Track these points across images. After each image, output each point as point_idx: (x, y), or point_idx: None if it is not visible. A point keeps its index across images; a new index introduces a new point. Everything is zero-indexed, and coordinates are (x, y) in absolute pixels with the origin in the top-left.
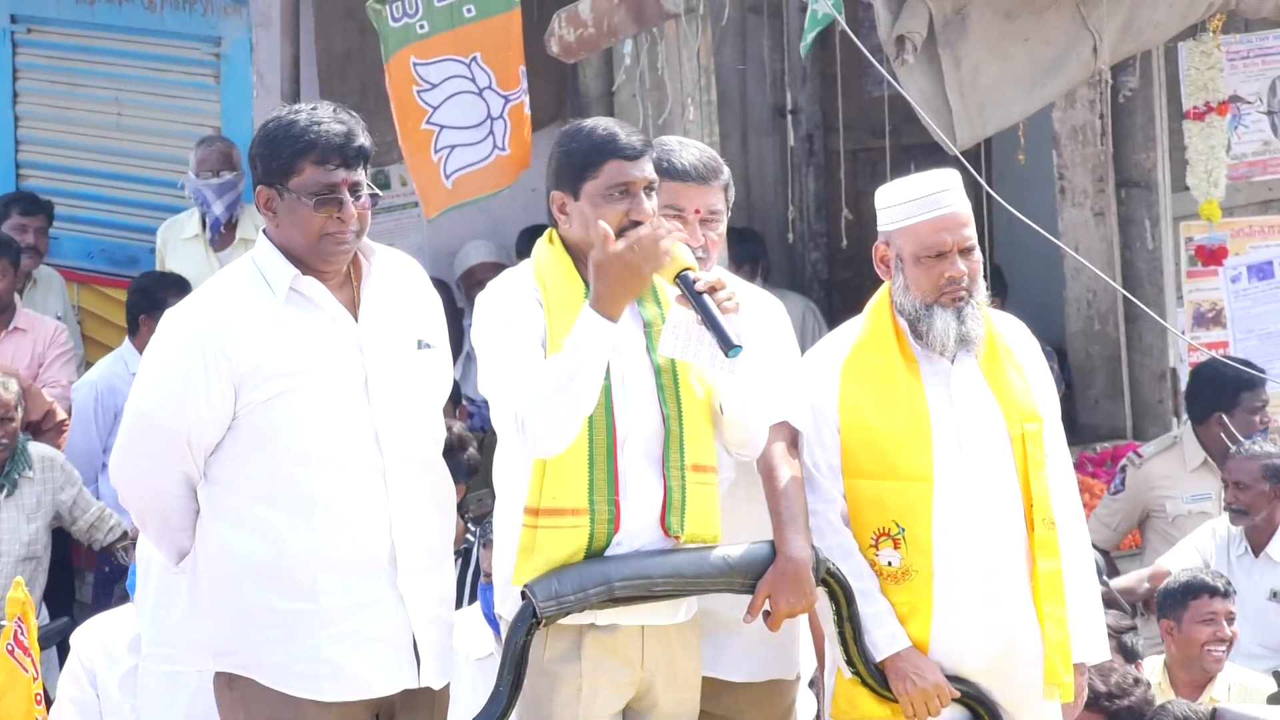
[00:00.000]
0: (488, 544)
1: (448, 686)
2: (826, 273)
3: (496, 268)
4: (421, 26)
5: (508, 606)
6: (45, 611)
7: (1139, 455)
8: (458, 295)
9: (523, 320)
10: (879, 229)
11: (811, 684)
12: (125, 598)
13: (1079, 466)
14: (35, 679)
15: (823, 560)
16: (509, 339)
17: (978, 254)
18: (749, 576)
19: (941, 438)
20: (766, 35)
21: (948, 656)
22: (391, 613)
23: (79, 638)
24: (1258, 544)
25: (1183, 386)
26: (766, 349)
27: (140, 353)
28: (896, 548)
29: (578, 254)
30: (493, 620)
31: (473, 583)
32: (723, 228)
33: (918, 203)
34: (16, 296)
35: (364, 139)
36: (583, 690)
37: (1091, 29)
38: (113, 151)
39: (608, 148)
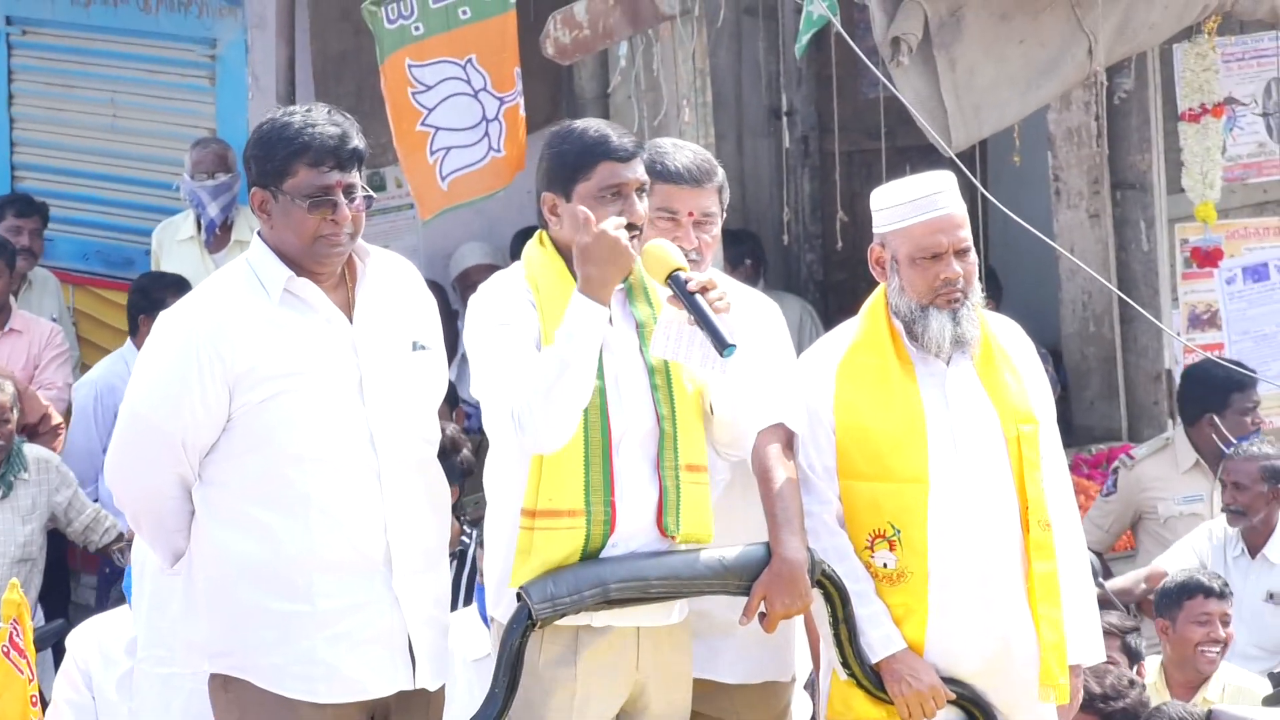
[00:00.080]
0: (483, 544)
1: (443, 688)
2: (822, 274)
3: (491, 270)
4: (417, 28)
5: (500, 609)
6: (40, 613)
7: (1130, 457)
8: (453, 297)
9: (516, 321)
10: (874, 231)
11: (808, 686)
12: (122, 599)
13: (1074, 468)
14: (31, 681)
15: (818, 562)
16: (502, 339)
17: (973, 256)
18: (744, 578)
19: (937, 439)
20: (762, 37)
21: (943, 658)
22: (387, 614)
23: (75, 639)
24: (1254, 545)
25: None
26: (761, 349)
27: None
28: (892, 549)
29: (569, 255)
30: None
31: (469, 584)
32: (717, 230)
33: (913, 204)
34: (12, 298)
35: (358, 141)
36: (576, 695)
37: (1086, 31)
38: (108, 153)
39: (600, 149)
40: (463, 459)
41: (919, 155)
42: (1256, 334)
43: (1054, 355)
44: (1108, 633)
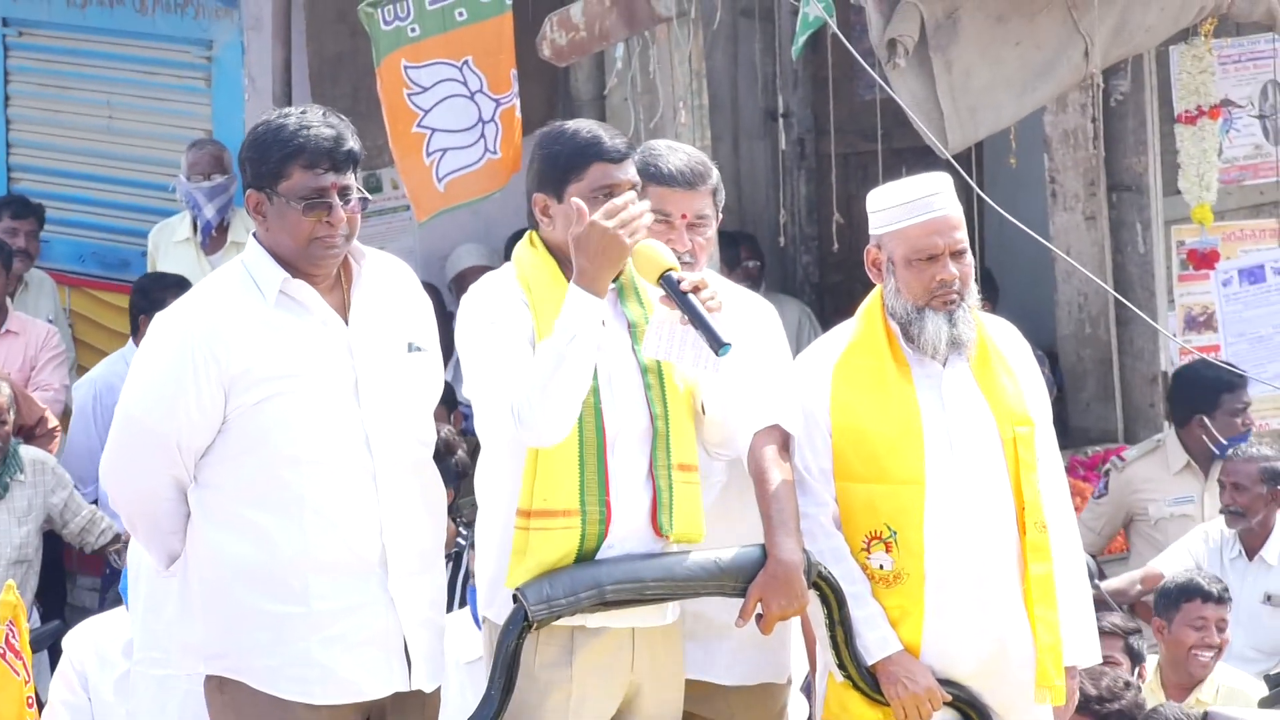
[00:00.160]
0: (474, 546)
1: (439, 690)
2: (818, 276)
3: (488, 271)
4: (413, 30)
5: (493, 609)
6: (36, 615)
7: (1121, 459)
8: (449, 299)
9: (509, 319)
10: (870, 232)
11: (804, 688)
12: (118, 601)
13: (1070, 470)
14: (27, 682)
15: (814, 563)
16: (496, 337)
17: (969, 257)
18: (740, 580)
19: (933, 441)
20: (758, 39)
21: (939, 660)
22: (382, 616)
23: (71, 641)
24: (1252, 547)
25: None
26: (756, 350)
27: None
28: (888, 551)
29: (561, 256)
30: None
31: (463, 586)
32: (711, 232)
33: (909, 206)
34: (8, 300)
35: (353, 143)
36: (572, 696)
37: (1083, 33)
38: (104, 155)
39: (592, 150)
40: (458, 461)
41: (915, 157)
42: (1253, 336)
43: (1050, 357)
44: (1111, 634)
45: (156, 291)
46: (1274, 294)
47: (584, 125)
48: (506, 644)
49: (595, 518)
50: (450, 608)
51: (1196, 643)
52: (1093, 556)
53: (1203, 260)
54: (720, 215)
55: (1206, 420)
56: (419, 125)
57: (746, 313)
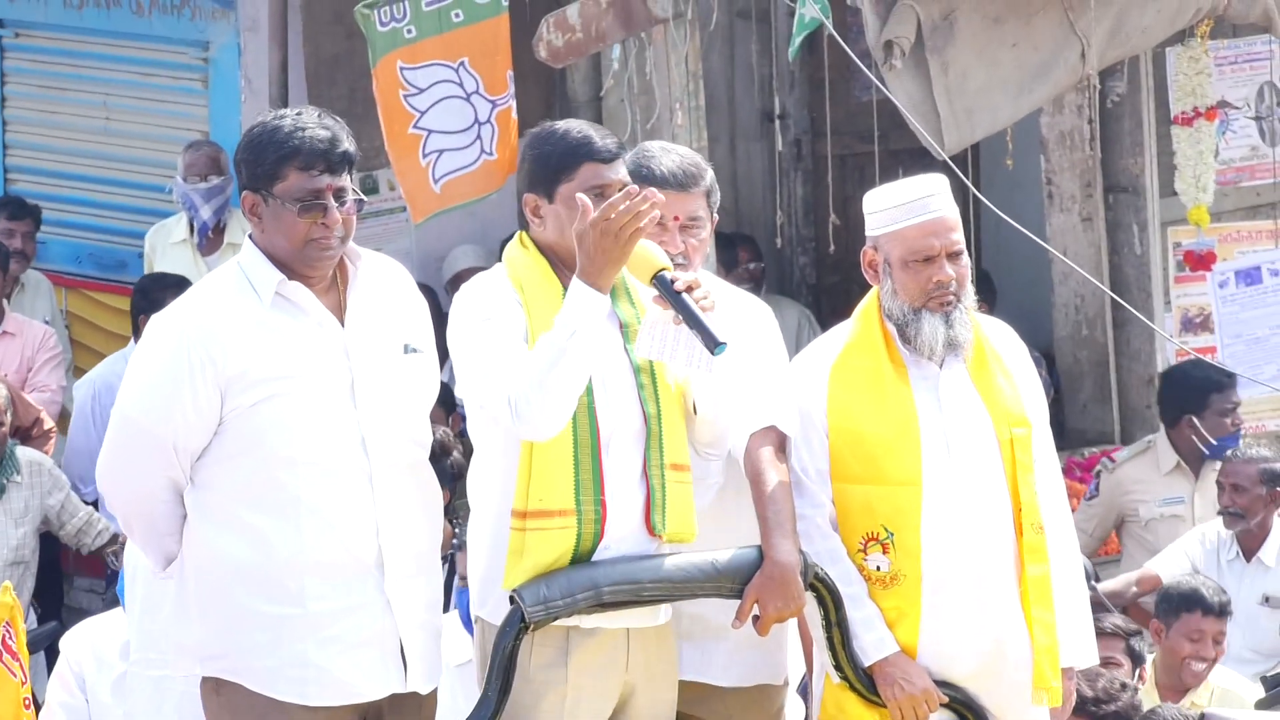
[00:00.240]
0: (462, 547)
1: (435, 691)
2: (814, 278)
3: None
4: (409, 31)
5: (487, 609)
6: (34, 616)
7: (1111, 460)
8: (445, 300)
9: (502, 316)
10: (867, 234)
11: (800, 689)
12: (115, 602)
13: (1067, 471)
14: (24, 683)
15: (811, 565)
16: (491, 333)
17: (965, 259)
18: (737, 581)
19: (930, 442)
20: (755, 40)
21: (936, 661)
22: (379, 617)
23: (69, 642)
24: (1249, 549)
25: None
26: (752, 351)
27: None
28: (885, 552)
29: (552, 256)
30: (469, 623)
31: (453, 589)
32: (705, 233)
33: (905, 207)
34: (4, 301)
35: (348, 144)
36: (567, 697)
37: (1079, 34)
38: (101, 156)
39: (583, 150)
40: (453, 462)
41: (911, 158)
42: (1249, 337)
43: (1046, 358)
44: (1112, 635)
45: (156, 291)
46: (1271, 295)
47: (574, 125)
48: (503, 645)
49: (591, 517)
50: (447, 609)
51: (1191, 654)
52: (1087, 558)
53: (1199, 262)
54: (715, 217)
55: (1195, 420)
56: (415, 126)
57: (742, 313)
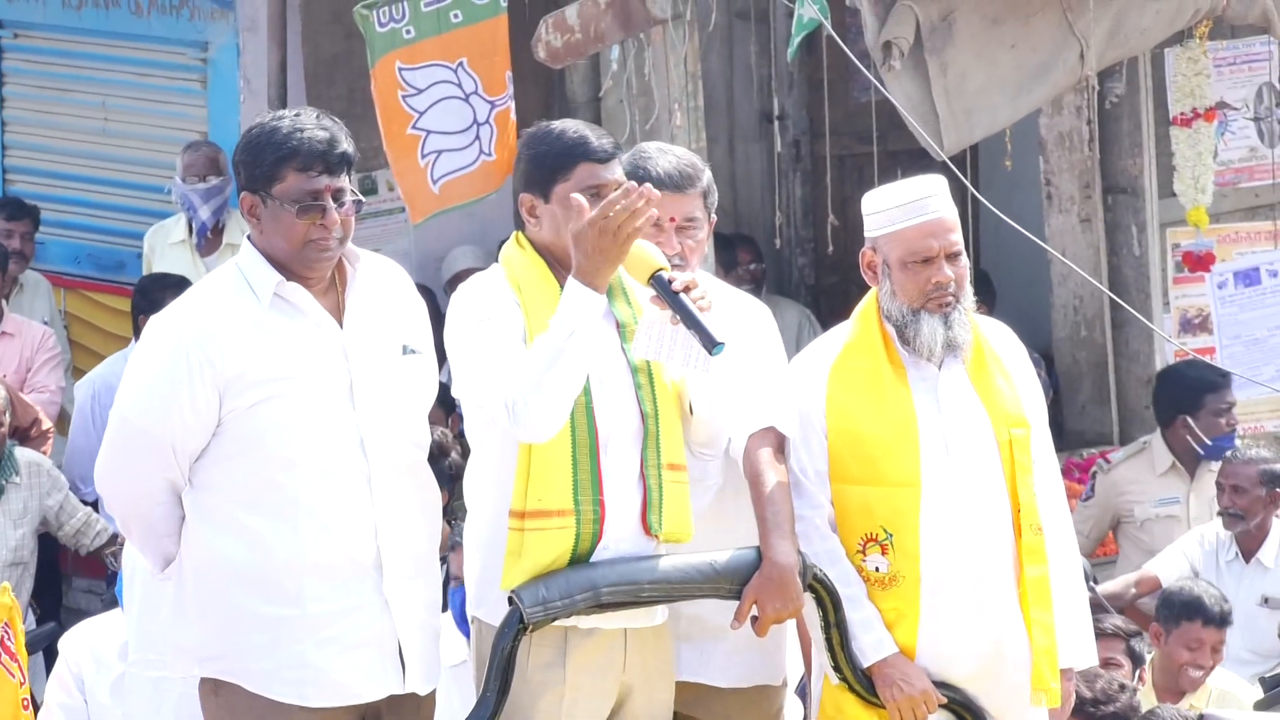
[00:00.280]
0: (455, 547)
1: (434, 693)
2: (813, 278)
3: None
4: (408, 32)
5: (483, 610)
6: (32, 617)
7: (1107, 461)
8: (443, 301)
9: (499, 317)
10: (866, 235)
11: (799, 690)
12: (114, 603)
13: (1065, 473)
14: (22, 684)
15: (810, 566)
16: (487, 334)
17: (964, 259)
18: (735, 582)
19: (929, 443)
20: (753, 41)
21: (935, 662)
22: (377, 618)
23: (67, 643)
24: (1248, 549)
25: None
26: (750, 352)
27: None
28: (884, 553)
29: (548, 256)
30: (462, 624)
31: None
32: (702, 234)
33: (904, 208)
34: (3, 302)
35: (347, 145)
36: (565, 698)
37: (1078, 35)
38: (99, 156)
39: (579, 150)
40: (451, 463)
41: (910, 159)
42: (1248, 338)
43: (1045, 360)
44: (1113, 636)
45: (156, 292)
46: (1269, 296)
47: (571, 125)
48: (502, 646)
49: (590, 517)
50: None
51: (1189, 661)
52: (1086, 560)
53: (1198, 263)
54: (713, 218)
55: (1190, 420)
56: (414, 127)
57: (741, 314)
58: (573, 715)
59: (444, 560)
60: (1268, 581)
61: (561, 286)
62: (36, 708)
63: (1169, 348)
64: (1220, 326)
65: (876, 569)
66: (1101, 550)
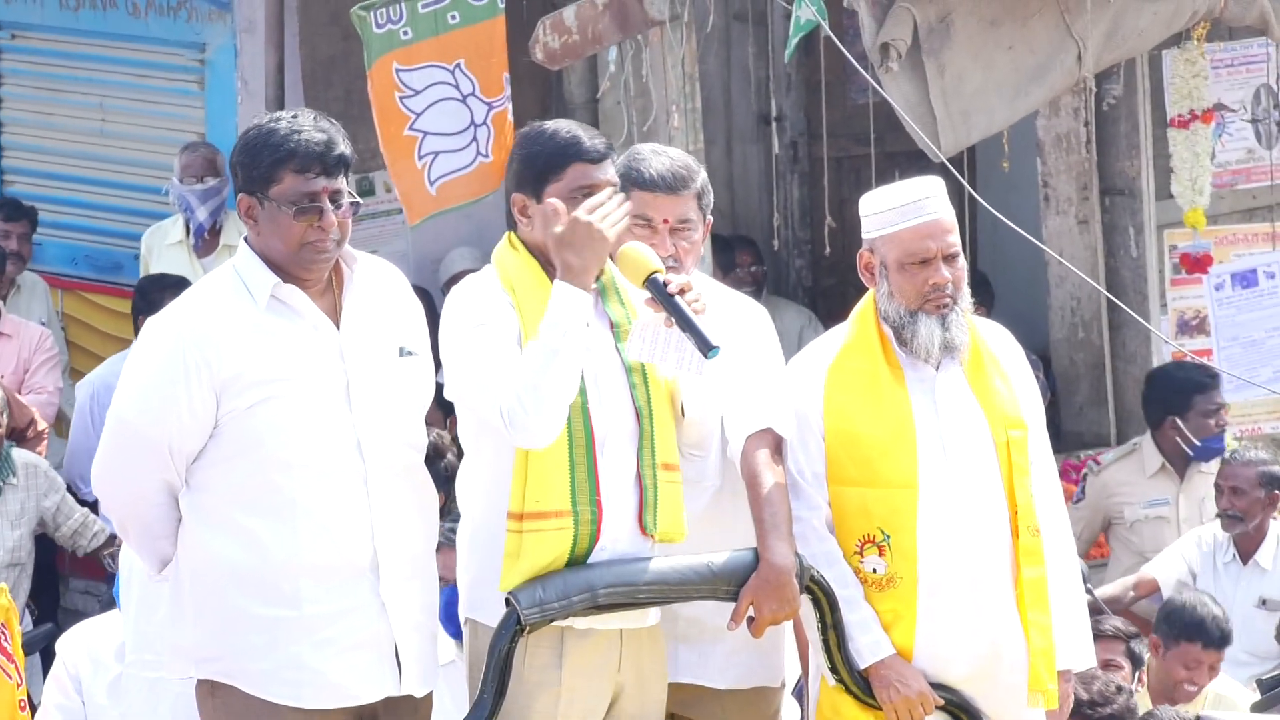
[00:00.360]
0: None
1: (430, 694)
2: (811, 280)
3: None
4: (405, 33)
5: (478, 611)
6: (29, 618)
7: (1097, 463)
8: (440, 302)
9: (495, 320)
10: (863, 236)
11: (796, 692)
12: (111, 604)
13: (1063, 474)
14: (19, 685)
15: (807, 567)
16: (483, 338)
17: (962, 261)
18: (732, 583)
19: (926, 444)
20: (751, 42)
21: (932, 664)
22: (374, 620)
23: (65, 644)
24: (1246, 551)
25: None
26: (747, 353)
27: None
28: (881, 555)
29: (542, 257)
30: (448, 624)
31: None
32: (697, 235)
33: (902, 210)
34: (1, 303)
35: (344, 147)
36: (561, 699)
37: (1075, 37)
38: (97, 157)
39: (571, 150)
40: (447, 465)
41: (908, 161)
42: (1245, 340)
43: (1043, 361)
44: (1113, 637)
45: (156, 293)
46: (1267, 298)
47: (563, 125)
48: (499, 647)
49: (587, 518)
50: None
51: (1185, 679)
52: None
53: (1195, 264)
54: (709, 219)
55: (1179, 422)
56: (411, 128)
57: (738, 315)
58: (569, 716)
59: None
60: (1265, 583)
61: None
62: (34, 709)
63: (1166, 349)
64: (1217, 328)
65: (874, 570)
66: (1097, 552)
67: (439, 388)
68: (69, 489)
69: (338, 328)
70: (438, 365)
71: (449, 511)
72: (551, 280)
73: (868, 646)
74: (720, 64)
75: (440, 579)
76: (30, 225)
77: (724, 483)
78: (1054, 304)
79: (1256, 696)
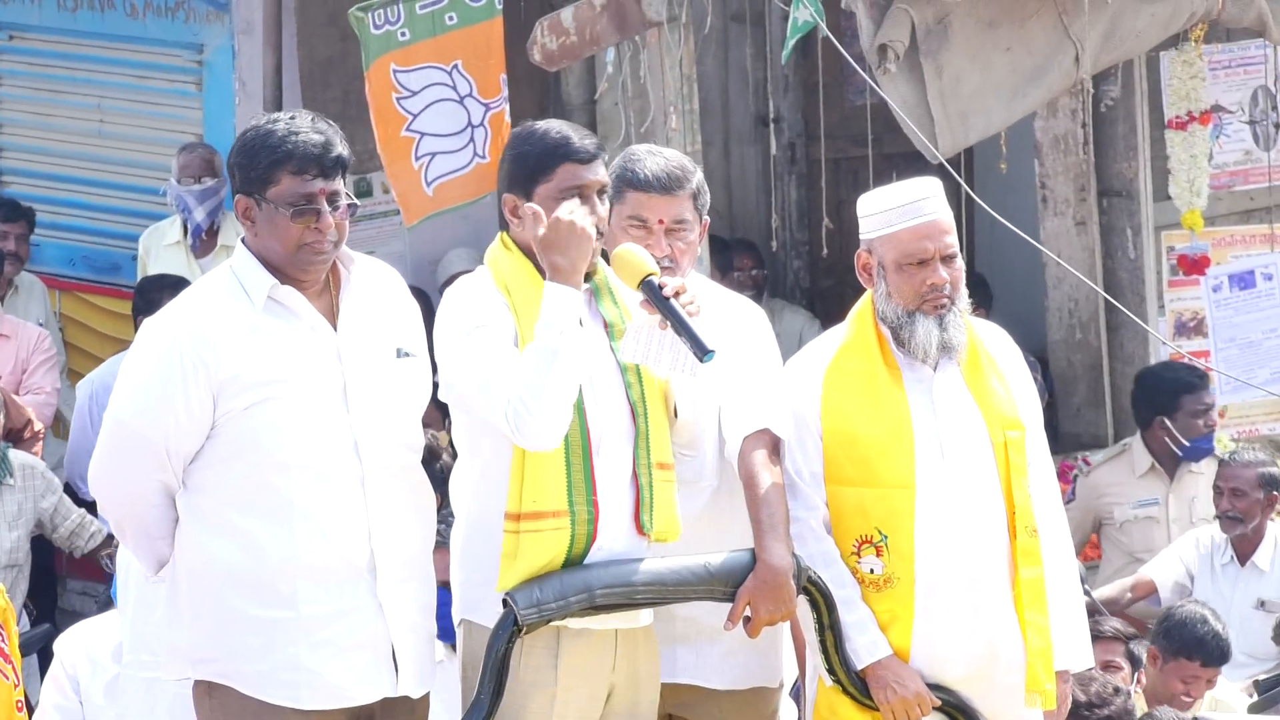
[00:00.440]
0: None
1: (427, 695)
2: (808, 281)
3: None
4: (403, 34)
5: (474, 612)
6: (26, 618)
7: (1087, 463)
8: (439, 304)
9: (493, 323)
10: (861, 237)
11: (793, 692)
12: (109, 604)
13: (1060, 475)
14: (16, 685)
15: (804, 568)
16: (483, 340)
17: (959, 261)
18: (730, 584)
19: (924, 445)
20: (749, 44)
21: (929, 664)
22: (371, 621)
23: (63, 644)
24: (1244, 552)
25: None
26: (745, 354)
27: None
28: (879, 555)
29: (534, 257)
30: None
31: None
32: (693, 236)
33: (899, 210)
34: None
35: (342, 148)
36: (556, 699)
37: (1073, 38)
38: (95, 158)
39: (561, 151)
40: (442, 466)
41: (905, 162)
42: (1243, 341)
43: (1041, 362)
44: (1113, 638)
45: (155, 293)
46: (1264, 299)
47: (554, 126)
48: (496, 648)
49: (584, 518)
50: None
51: (1181, 692)
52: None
53: (1193, 266)
54: (705, 219)
55: (1167, 422)
56: (408, 129)
57: (735, 316)
58: (564, 716)
59: None
60: (1263, 585)
61: None
62: (31, 709)
63: (1164, 351)
64: (1215, 330)
65: (871, 571)
66: (1094, 554)
67: (436, 389)
68: (69, 489)
69: (335, 329)
70: (435, 366)
71: (448, 514)
72: (545, 279)
73: (865, 647)
74: (718, 65)
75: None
76: (28, 226)
77: (721, 483)
78: (1052, 305)
79: (1253, 698)
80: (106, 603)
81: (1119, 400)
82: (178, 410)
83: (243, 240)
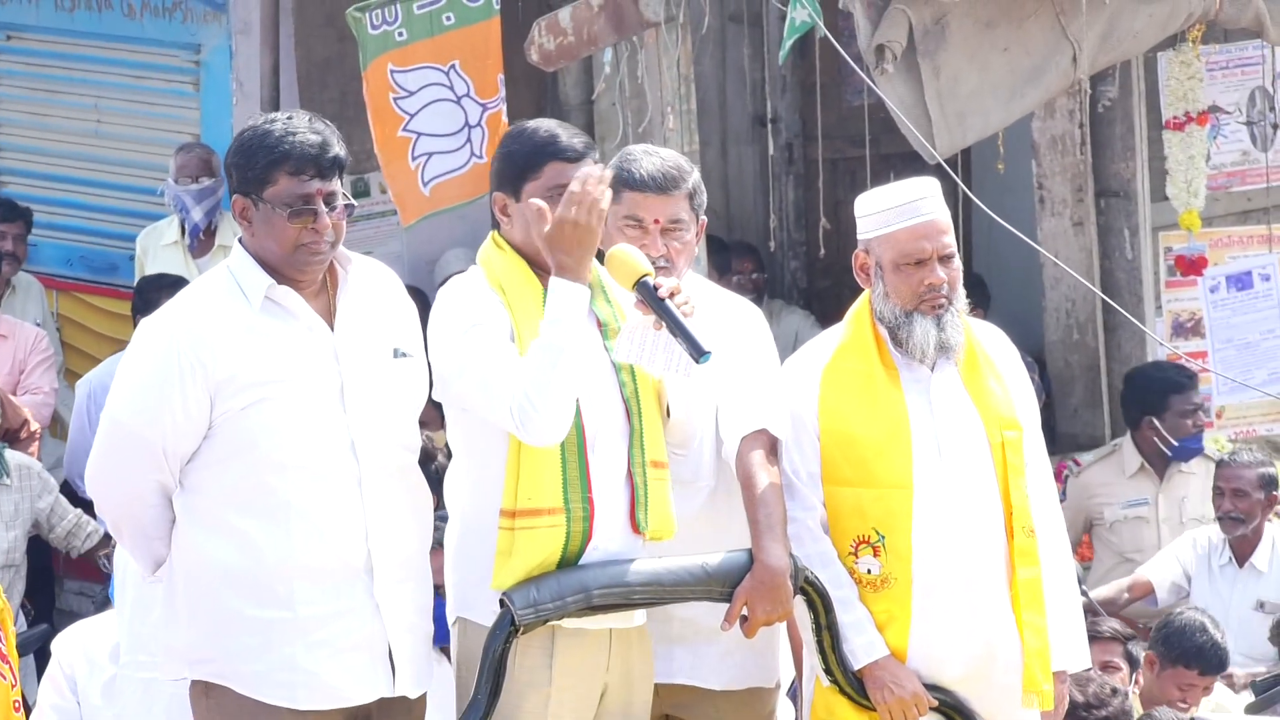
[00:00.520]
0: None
1: (424, 696)
2: (806, 282)
3: None
4: (400, 34)
5: (470, 611)
6: (24, 618)
7: (1077, 464)
8: None
9: (490, 320)
10: (859, 237)
11: (790, 693)
12: (106, 605)
13: (1058, 476)
14: (14, 686)
15: (801, 568)
16: (481, 339)
17: (957, 261)
18: (727, 584)
19: (921, 445)
20: (746, 44)
21: (926, 665)
22: (368, 621)
23: (61, 644)
24: (1242, 554)
25: None
26: (743, 354)
27: None
28: (876, 555)
29: (526, 255)
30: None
31: None
32: (689, 236)
33: (897, 210)
34: None
35: (339, 149)
36: (551, 699)
37: (1071, 39)
38: (92, 158)
39: (549, 149)
40: (438, 467)
41: (903, 162)
42: (1240, 342)
43: (1038, 363)
44: (1111, 639)
45: (155, 293)
46: (1261, 300)
47: (543, 124)
48: (493, 648)
49: (579, 515)
50: None
51: (1178, 699)
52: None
53: (1190, 266)
54: (702, 219)
55: (1156, 422)
56: (405, 129)
57: (733, 316)
58: (558, 716)
59: None
60: (1261, 586)
61: (542, 284)
62: (28, 709)
63: (1161, 351)
64: (1212, 330)
65: (868, 571)
66: (1086, 554)
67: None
68: (70, 488)
69: (332, 329)
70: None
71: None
72: (538, 278)
73: (862, 647)
74: (715, 65)
75: None
76: (25, 226)
77: (719, 483)
78: (1049, 306)
79: (1251, 698)
80: (104, 603)
81: (1116, 401)
82: (175, 410)
83: (240, 240)
